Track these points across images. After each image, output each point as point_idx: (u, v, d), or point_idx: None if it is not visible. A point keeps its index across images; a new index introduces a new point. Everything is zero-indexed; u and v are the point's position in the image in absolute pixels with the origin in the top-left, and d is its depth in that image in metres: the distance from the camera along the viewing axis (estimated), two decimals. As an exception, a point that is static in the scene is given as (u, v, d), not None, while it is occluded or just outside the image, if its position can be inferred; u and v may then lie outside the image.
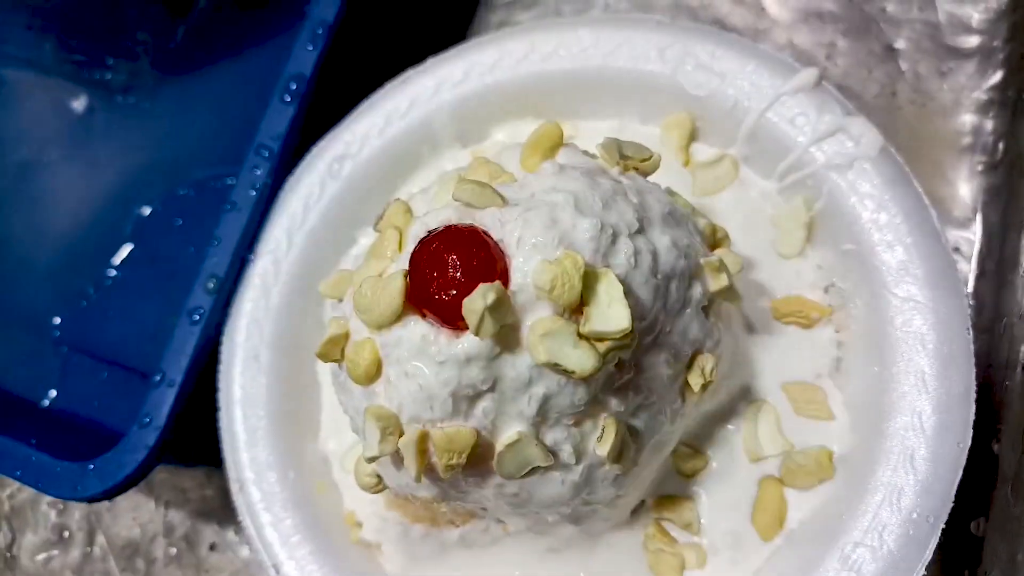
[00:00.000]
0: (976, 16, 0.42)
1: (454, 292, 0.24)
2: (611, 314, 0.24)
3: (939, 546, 0.30)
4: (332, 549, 0.33)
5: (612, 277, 0.24)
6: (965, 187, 0.39)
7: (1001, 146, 0.39)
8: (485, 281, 0.23)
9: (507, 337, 0.24)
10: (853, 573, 0.28)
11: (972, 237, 0.39)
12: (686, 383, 0.28)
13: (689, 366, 0.28)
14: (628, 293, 0.24)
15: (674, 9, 0.45)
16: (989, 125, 0.40)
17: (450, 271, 0.24)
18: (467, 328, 0.24)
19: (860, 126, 0.32)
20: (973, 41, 0.42)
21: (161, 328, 0.42)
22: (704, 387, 0.28)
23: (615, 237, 0.25)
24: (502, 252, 0.25)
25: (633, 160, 0.29)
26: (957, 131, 0.40)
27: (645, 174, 0.29)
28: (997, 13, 0.41)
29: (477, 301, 0.23)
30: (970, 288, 0.38)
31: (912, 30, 0.42)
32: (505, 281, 0.24)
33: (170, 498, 0.44)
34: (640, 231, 0.26)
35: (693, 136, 0.35)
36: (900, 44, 0.42)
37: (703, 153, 0.35)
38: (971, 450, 0.29)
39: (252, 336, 0.35)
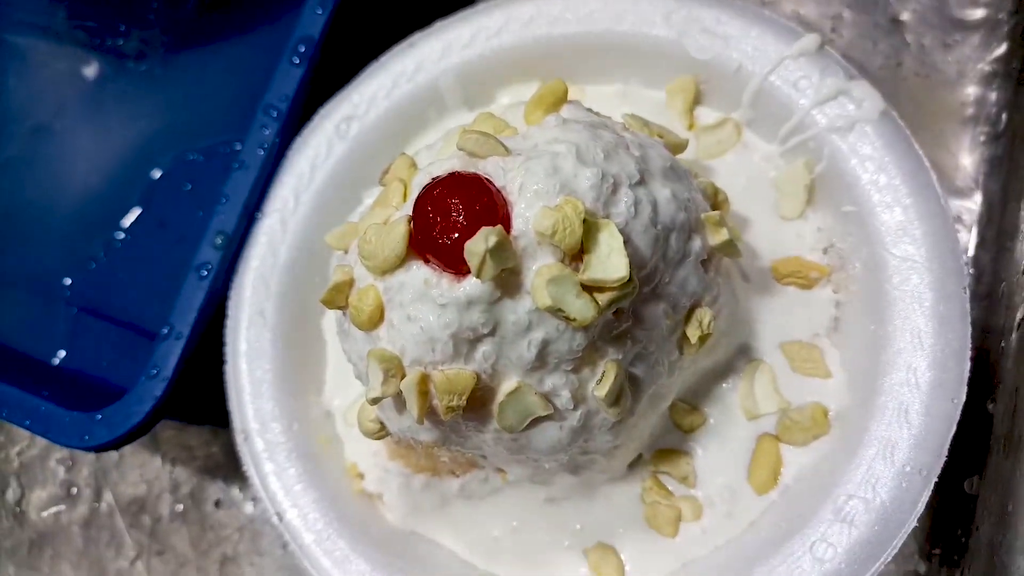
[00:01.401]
0: (982, -11, 0.42)
1: (456, 236, 0.24)
2: (610, 263, 0.24)
3: (935, 504, 0.30)
4: (334, 499, 0.33)
5: (612, 227, 0.25)
6: (967, 157, 0.40)
7: (1004, 117, 0.40)
8: (487, 225, 0.24)
9: (508, 282, 0.25)
10: (846, 524, 0.28)
11: (973, 206, 0.39)
12: (684, 336, 0.28)
13: (687, 319, 0.28)
14: (627, 242, 0.25)
15: (681, -20, 0.45)
16: (992, 96, 0.40)
17: (453, 215, 0.24)
18: (469, 273, 0.24)
19: (862, 90, 0.32)
20: (978, 14, 0.42)
21: (168, 289, 0.43)
22: (702, 339, 0.28)
23: (616, 187, 0.25)
24: (504, 199, 0.25)
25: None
26: (961, 102, 0.41)
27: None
28: (1003, -14, 0.42)
29: (479, 243, 0.23)
30: (970, 255, 0.38)
31: (918, 2, 0.42)
32: (507, 226, 0.25)
33: (176, 456, 0.45)
34: (641, 182, 0.26)
35: (697, 100, 0.36)
36: (905, 16, 0.42)
37: (707, 117, 0.35)
38: (968, 412, 0.29)
39: (258, 292, 0.36)
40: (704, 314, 0.28)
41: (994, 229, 0.38)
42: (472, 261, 0.23)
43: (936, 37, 0.42)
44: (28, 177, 0.49)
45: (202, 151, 0.46)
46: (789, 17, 0.43)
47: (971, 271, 0.38)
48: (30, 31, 0.51)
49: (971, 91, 0.41)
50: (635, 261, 0.25)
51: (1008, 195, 0.37)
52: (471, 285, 0.24)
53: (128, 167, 0.47)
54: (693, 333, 0.28)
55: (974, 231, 0.39)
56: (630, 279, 0.24)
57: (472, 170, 0.26)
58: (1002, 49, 0.41)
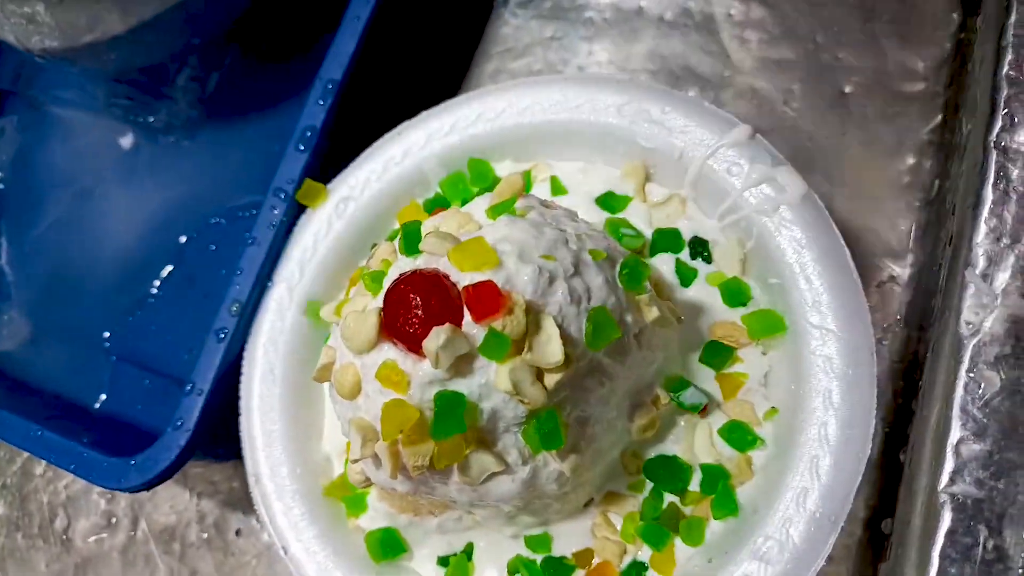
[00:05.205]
0: (921, 64, 0.46)
1: (417, 325, 0.29)
2: (548, 349, 0.29)
3: (858, 542, 0.34)
4: (334, 534, 0.38)
5: (549, 317, 0.30)
6: (903, 222, 0.44)
7: (936, 184, 0.44)
8: (443, 317, 0.29)
9: (461, 363, 0.30)
10: (763, 562, 0.32)
11: (907, 267, 0.43)
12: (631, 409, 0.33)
13: (640, 405, 0.33)
14: (563, 326, 0.30)
15: (648, 58, 0.50)
16: (927, 165, 0.44)
17: (413, 309, 0.29)
18: (428, 355, 0.29)
19: (786, 175, 0.36)
20: (918, 87, 0.46)
21: (196, 341, 0.48)
22: (650, 422, 0.34)
23: (552, 279, 0.30)
24: (459, 292, 0.30)
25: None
26: (899, 170, 0.45)
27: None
28: (939, 61, 0.46)
29: (432, 341, 0.28)
30: (902, 314, 0.42)
31: (863, 76, 0.47)
32: (459, 318, 0.29)
33: (202, 490, 0.51)
34: (575, 273, 0.31)
35: (648, 178, 0.40)
36: (850, 89, 0.47)
37: (656, 193, 0.40)
38: (887, 460, 0.33)
39: (269, 352, 0.41)
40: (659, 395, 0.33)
41: (923, 290, 0.42)
42: (428, 355, 0.28)
43: (878, 108, 0.46)
44: (71, 238, 0.55)
45: (224, 215, 0.52)
46: (745, 91, 0.48)
47: (902, 326, 0.42)
48: (74, 106, 0.57)
49: (908, 160, 0.45)
50: (570, 342, 0.30)
51: (935, 258, 0.41)
52: (428, 367, 0.29)
53: (160, 229, 0.53)
54: (645, 413, 0.33)
55: (907, 291, 0.43)
56: (566, 362, 0.29)
57: (433, 267, 0.31)
58: (937, 120, 0.45)
